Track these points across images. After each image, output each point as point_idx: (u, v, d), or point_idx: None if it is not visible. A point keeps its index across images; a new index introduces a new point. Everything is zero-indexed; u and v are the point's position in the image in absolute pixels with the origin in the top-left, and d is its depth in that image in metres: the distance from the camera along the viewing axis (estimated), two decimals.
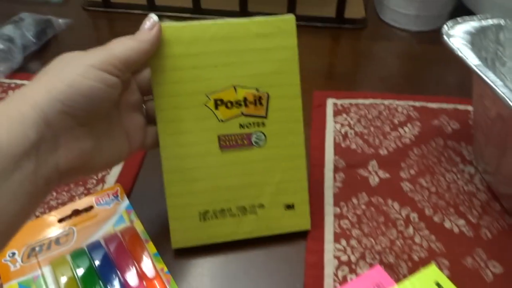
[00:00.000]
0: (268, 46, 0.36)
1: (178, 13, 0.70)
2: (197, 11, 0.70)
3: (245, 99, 0.36)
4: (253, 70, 0.36)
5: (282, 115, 0.37)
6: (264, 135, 0.37)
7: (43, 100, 0.26)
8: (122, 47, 0.31)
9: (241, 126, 0.36)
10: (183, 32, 0.34)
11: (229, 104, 0.36)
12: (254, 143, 0.37)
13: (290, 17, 0.36)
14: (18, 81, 0.55)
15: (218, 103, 0.36)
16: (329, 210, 0.42)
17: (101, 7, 0.72)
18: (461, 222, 0.41)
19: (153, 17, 0.33)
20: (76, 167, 0.29)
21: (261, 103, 0.36)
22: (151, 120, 0.37)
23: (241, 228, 0.38)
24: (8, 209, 0.25)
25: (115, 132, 0.33)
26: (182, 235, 0.37)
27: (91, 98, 0.28)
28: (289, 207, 0.38)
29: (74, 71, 0.28)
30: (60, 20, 0.66)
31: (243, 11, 0.69)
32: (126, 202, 0.40)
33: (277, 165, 0.38)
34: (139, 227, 0.38)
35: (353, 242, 0.39)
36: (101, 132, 0.32)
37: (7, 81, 0.55)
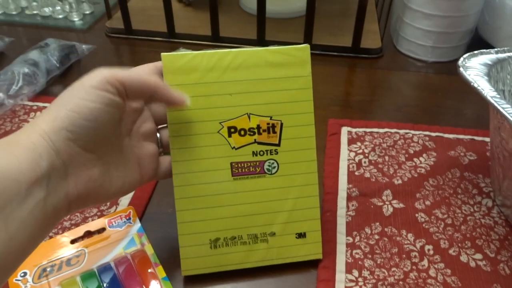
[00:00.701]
0: (283, 75, 0.36)
1: (197, 41, 0.72)
2: (216, 39, 0.72)
3: (258, 127, 0.36)
4: (268, 98, 0.36)
5: (295, 143, 0.37)
6: (277, 163, 0.37)
7: (49, 129, 0.27)
8: (128, 71, 0.31)
9: (254, 153, 0.36)
10: (199, 60, 0.35)
11: (242, 132, 0.36)
12: (266, 171, 0.37)
13: (305, 46, 0.37)
14: (40, 104, 0.57)
15: (232, 130, 0.36)
16: (342, 239, 0.41)
17: (123, 34, 0.74)
18: (478, 256, 0.40)
19: (186, 101, 0.34)
20: (85, 195, 0.30)
21: (274, 131, 0.36)
22: (165, 149, 0.37)
23: (251, 256, 0.38)
24: (17, 236, 0.25)
25: (125, 161, 0.33)
26: (193, 263, 0.37)
27: (93, 121, 0.28)
28: (301, 235, 0.38)
29: (76, 95, 0.28)
30: (84, 46, 0.68)
31: (261, 40, 0.70)
32: (138, 225, 0.41)
33: (289, 193, 0.37)
34: (149, 250, 0.38)
35: (365, 273, 0.38)
36: (111, 160, 0.32)
37: (30, 103, 0.57)
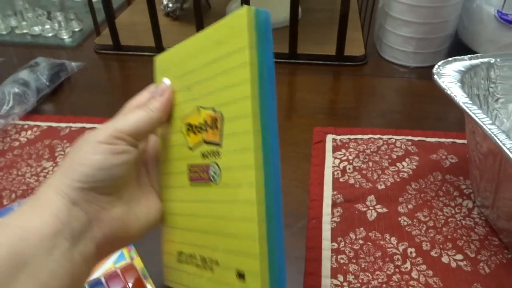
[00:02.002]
0: (221, 53, 0.28)
1: None
2: None
3: (206, 123, 0.29)
4: (210, 86, 0.29)
5: (234, 142, 0.27)
6: (219, 168, 0.28)
7: (62, 183, 0.28)
8: (130, 119, 0.31)
9: (203, 155, 0.30)
10: (165, 59, 0.34)
11: (195, 129, 0.30)
12: (211, 178, 0.29)
13: (242, 11, 0.26)
14: (31, 122, 0.58)
15: (188, 128, 0.31)
16: (327, 245, 0.42)
17: (112, 50, 0.75)
18: (459, 256, 0.41)
19: (165, 82, 0.33)
20: (112, 237, 0.30)
21: (216, 127, 0.28)
22: None
23: (200, 283, 0.31)
24: (49, 286, 0.26)
25: (145, 193, 0.34)
26: (167, 272, 0.35)
27: (105, 169, 0.29)
28: (240, 276, 0.27)
29: (84, 151, 0.29)
30: (73, 63, 0.69)
31: None
32: None
33: (231, 210, 0.27)
34: (139, 264, 0.39)
35: (350, 277, 0.39)
36: (131, 197, 0.32)
37: (21, 122, 0.58)
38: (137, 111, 0.32)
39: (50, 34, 0.81)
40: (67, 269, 0.27)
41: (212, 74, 0.29)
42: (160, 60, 0.35)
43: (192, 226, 0.31)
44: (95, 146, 0.30)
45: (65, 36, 0.80)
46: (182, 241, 0.32)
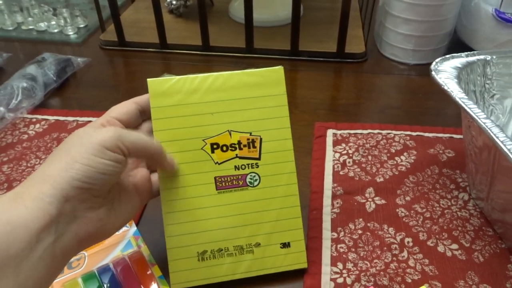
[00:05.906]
0: (260, 94, 0.39)
1: (189, 50, 0.75)
2: (206, 48, 0.74)
3: (239, 143, 0.39)
4: (247, 116, 0.39)
5: (274, 156, 0.40)
6: (258, 176, 0.39)
7: (61, 179, 0.29)
8: (135, 137, 0.33)
9: (236, 167, 0.39)
10: (182, 84, 0.38)
11: (224, 148, 0.39)
12: (249, 184, 0.39)
13: (279, 68, 0.40)
14: (39, 116, 0.60)
15: (214, 147, 0.39)
16: (327, 235, 0.44)
17: (117, 46, 0.77)
18: (454, 246, 0.42)
19: (175, 166, 0.38)
20: (94, 233, 0.31)
21: (254, 146, 0.39)
22: (152, 168, 0.39)
23: (238, 267, 0.39)
24: (26, 283, 0.26)
25: (125, 192, 0.35)
26: (181, 276, 0.38)
27: (105, 174, 0.31)
28: (285, 245, 0.40)
29: (89, 152, 0.30)
30: (79, 59, 0.71)
31: (249, 48, 0.73)
32: (134, 228, 0.43)
33: (272, 204, 0.39)
34: (145, 251, 0.41)
35: (349, 265, 0.41)
36: (113, 196, 0.34)
37: (29, 116, 0.60)
38: (145, 137, 0.34)
39: (55, 30, 0.82)
40: (47, 264, 0.27)
41: (247, 107, 0.39)
42: (157, 84, 0.38)
43: (222, 225, 0.39)
44: (102, 151, 0.30)
45: (70, 32, 0.81)
46: (206, 242, 0.39)
